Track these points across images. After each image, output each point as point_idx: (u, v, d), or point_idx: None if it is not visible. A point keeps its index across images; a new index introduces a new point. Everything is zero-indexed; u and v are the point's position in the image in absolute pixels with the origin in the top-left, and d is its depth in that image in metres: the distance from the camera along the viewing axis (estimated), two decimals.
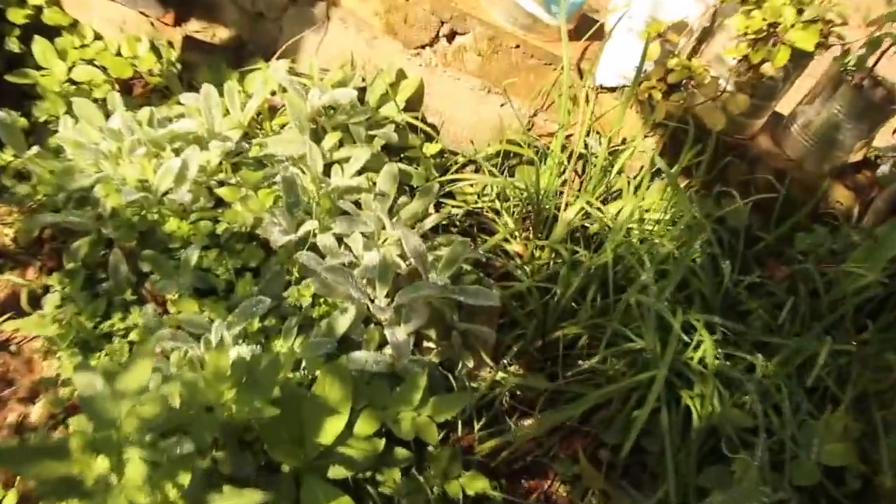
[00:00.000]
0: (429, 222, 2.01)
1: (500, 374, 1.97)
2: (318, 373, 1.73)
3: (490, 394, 1.95)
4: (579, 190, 2.25)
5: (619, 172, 2.23)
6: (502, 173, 2.31)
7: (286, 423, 1.59)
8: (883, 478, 1.78)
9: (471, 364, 1.94)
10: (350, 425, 1.64)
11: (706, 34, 2.17)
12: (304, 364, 1.73)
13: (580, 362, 2.01)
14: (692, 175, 2.21)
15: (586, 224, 2.22)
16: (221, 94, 2.17)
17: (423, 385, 1.70)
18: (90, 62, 2.44)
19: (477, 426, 1.88)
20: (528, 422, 2.02)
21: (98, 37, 2.50)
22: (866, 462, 1.88)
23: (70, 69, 2.39)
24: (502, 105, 2.32)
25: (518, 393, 1.98)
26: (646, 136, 2.25)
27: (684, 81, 2.09)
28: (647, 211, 2.20)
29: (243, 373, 1.56)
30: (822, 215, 2.23)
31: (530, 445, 1.95)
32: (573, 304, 2.10)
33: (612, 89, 2.23)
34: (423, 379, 1.70)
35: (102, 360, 1.81)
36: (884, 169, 2.27)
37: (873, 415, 1.91)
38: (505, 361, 1.99)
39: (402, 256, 1.95)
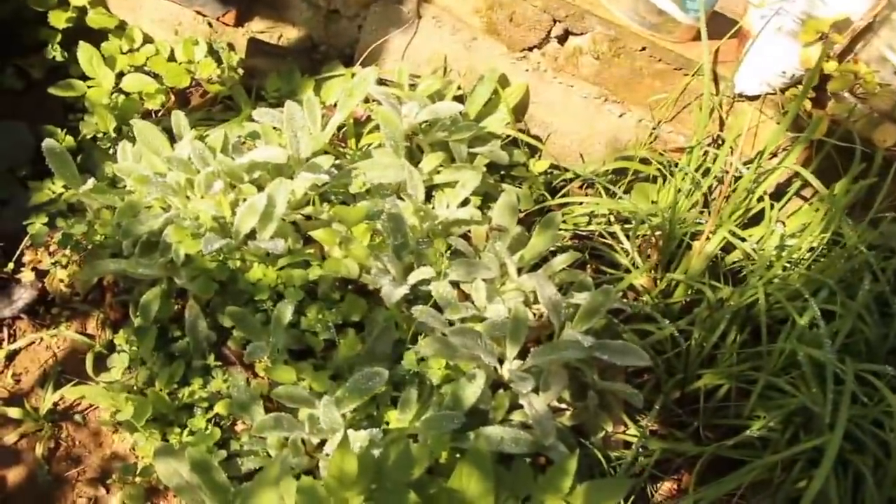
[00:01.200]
0: (558, 263, 1.72)
1: (644, 440, 1.70)
2: (445, 456, 1.47)
3: (634, 464, 1.68)
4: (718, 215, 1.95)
5: (763, 195, 1.92)
6: (616, 194, 2.00)
7: None
8: None
9: (609, 428, 1.67)
10: None
11: (865, 31, 1.86)
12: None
13: (721, 418, 1.74)
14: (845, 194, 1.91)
15: (719, 253, 1.93)
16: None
17: (574, 470, 1.43)
18: (140, 69, 2.14)
19: None
20: (664, 486, 1.77)
21: (148, 40, 2.19)
22: None
23: (118, 77, 2.09)
24: (621, 115, 2.02)
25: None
26: (784, 150, 1.95)
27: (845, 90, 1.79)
28: (791, 237, 1.91)
29: (371, 473, 1.29)
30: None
31: None
32: (713, 350, 1.82)
33: (754, 98, 1.92)
34: (573, 463, 1.42)
35: (184, 437, 1.53)
36: None
37: None
38: (645, 423, 1.72)
39: (527, 303, 1.67)
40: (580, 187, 2.10)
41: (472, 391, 1.49)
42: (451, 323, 1.56)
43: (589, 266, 1.97)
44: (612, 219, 1.99)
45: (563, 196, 2.01)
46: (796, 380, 1.70)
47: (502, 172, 2.01)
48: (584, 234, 2.02)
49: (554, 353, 1.51)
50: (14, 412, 1.60)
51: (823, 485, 1.59)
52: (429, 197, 1.86)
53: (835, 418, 1.59)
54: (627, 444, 1.73)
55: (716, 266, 1.94)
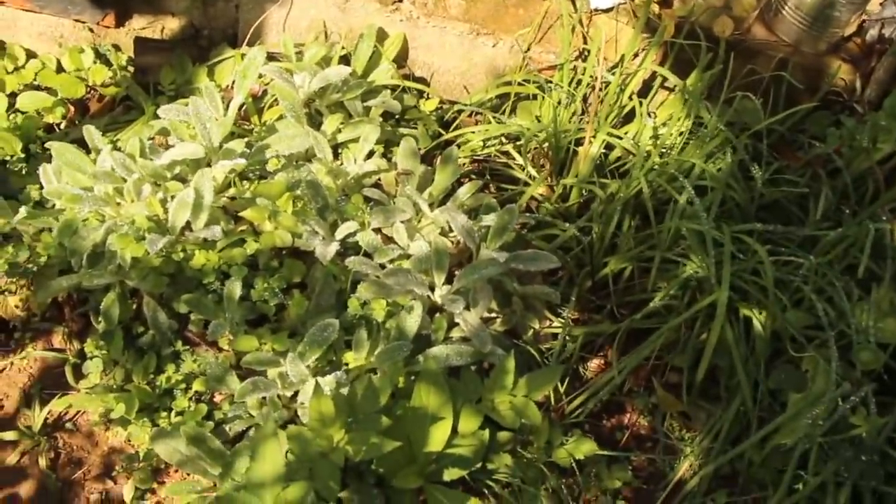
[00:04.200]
0: (464, 193, 1.93)
1: (565, 327, 1.96)
2: (402, 381, 1.69)
3: (563, 351, 1.94)
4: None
5: (631, 95, 2.16)
6: (503, 115, 2.21)
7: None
8: None
9: (537, 326, 1.92)
10: (453, 426, 1.62)
11: None
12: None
13: (630, 296, 2.02)
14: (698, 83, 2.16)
15: (604, 152, 2.17)
16: (194, 95, 1.99)
17: (513, 367, 1.68)
18: (31, 86, 2.20)
19: (562, 389, 1.88)
20: (593, 363, 2.04)
21: (32, 55, 2.24)
22: None
23: (11, 98, 2.15)
24: (494, 45, 2.20)
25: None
26: (641, 52, 2.18)
27: None
28: (663, 126, 2.16)
29: (345, 409, 1.51)
30: (826, 95, 2.23)
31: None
32: (612, 239, 2.08)
33: (609, 10, 2.13)
34: (511, 362, 1.68)
35: (173, 418, 1.72)
36: (873, 33, 2.26)
37: None
38: (566, 315, 1.98)
39: (444, 233, 1.88)
40: (470, 116, 2.30)
41: (412, 321, 1.71)
42: (382, 266, 1.77)
43: (490, 186, 2.19)
44: (504, 140, 2.21)
45: (456, 129, 2.21)
46: (686, 251, 1.98)
47: (397, 118, 2.19)
48: (481, 157, 2.23)
49: (475, 272, 1.73)
50: (9, 435, 1.74)
51: (721, 333, 1.89)
52: (337, 156, 2.03)
53: (720, 277, 1.88)
54: (555, 336, 1.99)
55: (602, 165, 2.19)
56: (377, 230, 1.84)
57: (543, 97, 2.16)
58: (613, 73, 2.13)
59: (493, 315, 1.87)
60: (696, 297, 1.97)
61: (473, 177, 2.16)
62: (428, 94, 2.26)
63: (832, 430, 1.79)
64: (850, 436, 1.78)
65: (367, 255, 1.79)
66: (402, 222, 1.82)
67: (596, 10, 2.14)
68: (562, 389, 1.88)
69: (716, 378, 2.01)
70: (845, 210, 2.09)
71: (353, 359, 1.71)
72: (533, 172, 2.16)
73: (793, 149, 2.23)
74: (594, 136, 2.07)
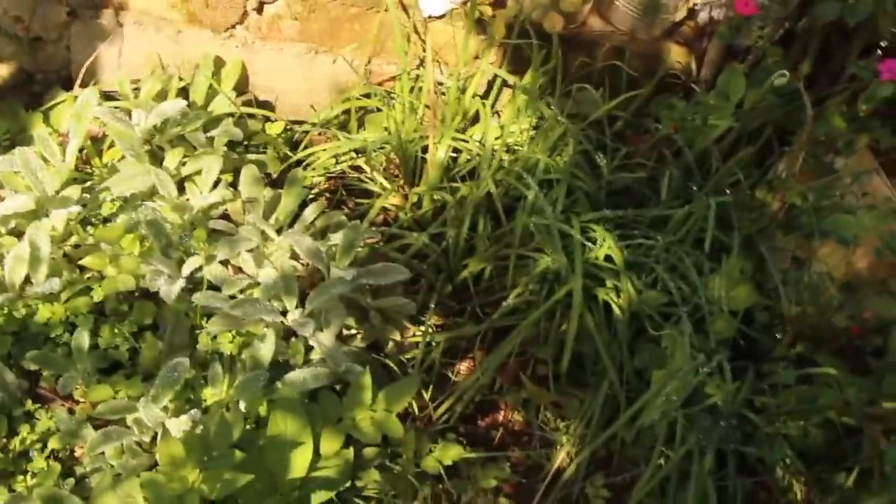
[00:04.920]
0: (309, 214, 1.93)
1: (429, 336, 1.98)
2: (265, 410, 1.69)
3: (426, 358, 1.96)
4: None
5: (474, 97, 2.19)
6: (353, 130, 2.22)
7: (257, 475, 1.54)
8: (785, 305, 1.94)
9: (398, 337, 1.94)
10: (315, 449, 1.62)
11: None
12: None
13: (492, 296, 2.05)
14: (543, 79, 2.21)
15: (453, 156, 2.20)
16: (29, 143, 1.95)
17: (370, 382, 1.69)
18: None
19: (427, 395, 1.90)
20: (461, 366, 2.07)
21: None
22: (766, 296, 2.05)
23: None
24: (334, 62, 2.21)
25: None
26: (479, 57, 2.22)
27: None
28: (503, 128, 2.19)
29: (198, 448, 1.50)
30: (664, 79, 2.30)
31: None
32: (469, 241, 2.11)
33: (442, 16, 2.16)
34: (367, 377, 1.69)
35: (29, 481, 1.67)
36: (704, 16, 2.35)
37: (761, 250, 2.07)
38: (427, 322, 2.00)
39: (295, 256, 1.88)
40: (320, 135, 2.30)
41: (266, 349, 1.70)
42: (232, 297, 1.76)
43: (347, 202, 2.20)
44: (354, 154, 2.22)
45: (306, 148, 2.21)
46: (539, 245, 2.02)
47: (246, 145, 2.18)
48: (335, 174, 2.23)
49: (325, 293, 1.74)
50: None
51: (581, 320, 1.94)
52: (183, 190, 2.01)
53: (573, 266, 1.93)
54: (420, 345, 2.01)
55: (452, 170, 2.21)
56: (225, 262, 1.83)
57: (388, 109, 2.18)
58: (456, 78, 2.16)
59: (353, 332, 1.88)
60: (555, 289, 2.02)
61: (328, 195, 2.17)
62: (274, 118, 2.25)
63: (693, 401, 1.86)
64: (707, 405, 1.85)
65: (217, 288, 1.78)
66: (248, 251, 1.81)
67: (430, 17, 2.16)
68: (428, 396, 1.90)
69: (584, 365, 2.07)
70: (693, 187, 2.17)
71: (211, 394, 1.70)
72: (386, 184, 2.18)
73: (639, 133, 2.30)
74: (439, 142, 2.10)
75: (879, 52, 2.13)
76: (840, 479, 1.81)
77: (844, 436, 1.83)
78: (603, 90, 2.24)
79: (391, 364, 1.88)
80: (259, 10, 2.10)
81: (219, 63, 2.16)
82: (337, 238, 1.85)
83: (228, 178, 2.04)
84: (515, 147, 2.16)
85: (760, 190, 2.12)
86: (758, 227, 2.09)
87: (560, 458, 1.95)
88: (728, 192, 2.11)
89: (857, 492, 1.77)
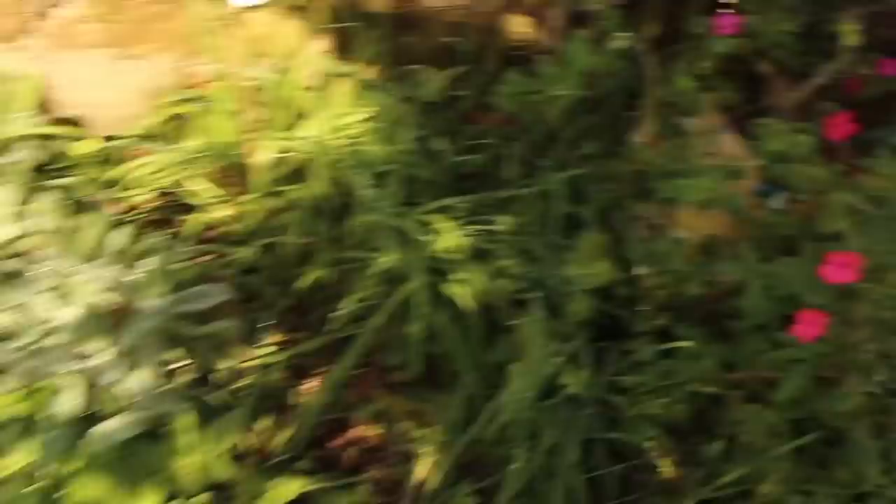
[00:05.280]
0: (118, 240, 1.76)
1: (264, 356, 1.84)
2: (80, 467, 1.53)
3: (265, 383, 1.82)
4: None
5: (304, 90, 2.03)
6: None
7: None
8: (644, 277, 1.84)
9: (231, 363, 1.79)
10: None
11: None
12: None
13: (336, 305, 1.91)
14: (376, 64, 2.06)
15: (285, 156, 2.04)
16: None
17: (191, 423, 1.54)
18: None
19: (267, 424, 1.76)
20: (310, 384, 1.93)
21: None
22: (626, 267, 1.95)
23: None
24: (146, 67, 2.03)
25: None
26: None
27: None
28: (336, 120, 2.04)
29: None
30: (510, 52, 2.17)
31: None
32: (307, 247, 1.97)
33: (257, 6, 1.99)
34: (187, 418, 1.54)
35: None
36: None
37: (617, 221, 1.96)
38: (264, 342, 1.85)
39: (109, 290, 1.71)
40: (138, 150, 2.11)
41: (70, 401, 1.54)
42: (26, 347, 1.58)
43: (172, 221, 2.02)
44: (179, 166, 2.04)
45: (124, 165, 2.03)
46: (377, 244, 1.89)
47: (51, 168, 1.99)
48: (161, 190, 2.06)
49: (135, 328, 1.58)
50: None
51: (430, 319, 1.82)
52: None
53: (411, 262, 1.80)
54: (264, 368, 1.86)
55: (289, 172, 2.05)
56: (20, 306, 1.65)
57: (206, 113, 2.01)
58: (279, 72, 2.00)
59: (176, 366, 1.73)
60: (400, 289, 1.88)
61: (151, 215, 2.00)
62: (84, 135, 2.06)
63: (553, 392, 1.76)
64: (567, 395, 1.75)
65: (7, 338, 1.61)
66: (46, 290, 1.64)
67: (243, 7, 1.99)
68: (268, 425, 1.76)
69: (438, 366, 1.94)
70: (546, 163, 2.06)
71: (12, 464, 1.53)
72: (214, 196, 2.01)
73: (486, 112, 2.17)
74: (263, 143, 1.94)
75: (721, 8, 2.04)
76: (710, 451, 1.74)
77: (711, 406, 1.75)
78: (445, 69, 2.11)
79: (223, 396, 1.73)
80: (43, 15, 1.91)
81: (11, 80, 1.96)
82: (148, 264, 1.69)
83: (29, 208, 1.85)
84: (352, 140, 2.01)
85: (613, 159, 2.02)
86: (612, 199, 1.98)
87: (423, 469, 1.83)
88: (581, 164, 2.01)
89: (724, 462, 1.70)
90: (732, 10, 1.85)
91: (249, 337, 1.87)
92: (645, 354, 1.69)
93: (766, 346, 1.55)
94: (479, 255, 1.89)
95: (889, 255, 1.29)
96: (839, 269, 1.24)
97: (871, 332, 1.26)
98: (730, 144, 1.93)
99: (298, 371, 1.91)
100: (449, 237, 1.82)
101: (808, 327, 1.28)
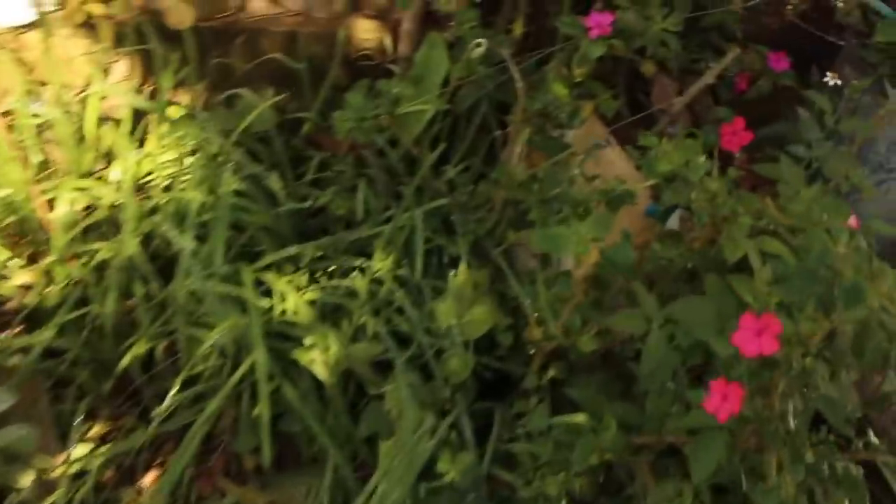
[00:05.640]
0: None
1: (80, 458, 1.48)
2: None
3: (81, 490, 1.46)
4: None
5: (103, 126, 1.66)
6: None
7: None
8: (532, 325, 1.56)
9: (44, 466, 1.43)
10: None
11: None
12: None
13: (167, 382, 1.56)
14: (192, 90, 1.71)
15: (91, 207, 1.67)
16: None
17: None
18: None
19: None
20: (147, 479, 1.59)
21: None
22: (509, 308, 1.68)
23: None
24: None
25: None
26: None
27: None
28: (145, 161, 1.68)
29: None
30: (356, 62, 1.87)
31: None
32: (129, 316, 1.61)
33: (37, 25, 1.61)
34: None
35: None
36: None
37: (492, 255, 1.69)
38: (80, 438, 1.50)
39: None
40: None
41: None
42: None
43: None
44: None
45: None
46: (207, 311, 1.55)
47: None
48: None
49: None
50: None
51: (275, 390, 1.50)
52: None
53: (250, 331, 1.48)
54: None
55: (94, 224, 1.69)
56: None
57: None
58: (72, 106, 1.63)
59: None
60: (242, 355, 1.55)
61: None
62: None
63: (430, 473, 1.47)
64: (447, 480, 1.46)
65: None
66: None
67: (17, 28, 1.61)
68: None
69: (298, 445, 1.62)
70: (407, 193, 1.76)
71: None
72: (6, 260, 1.62)
73: (332, 136, 1.85)
74: (61, 194, 1.57)
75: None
76: None
77: (615, 475, 1.50)
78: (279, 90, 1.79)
79: None
80: None
81: None
82: None
83: None
84: (167, 184, 1.66)
85: (484, 182, 1.74)
86: (486, 229, 1.71)
87: None
88: (444, 192, 1.72)
89: None
90: (603, 7, 1.60)
91: (62, 437, 1.52)
92: (537, 420, 1.41)
93: (674, 407, 1.30)
94: (333, 313, 1.59)
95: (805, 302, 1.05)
96: (753, 338, 0.98)
97: (798, 404, 1.02)
98: (615, 160, 1.69)
99: (129, 469, 1.57)
100: (292, 297, 1.50)
101: (722, 401, 1.03)
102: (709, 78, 1.75)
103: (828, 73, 1.72)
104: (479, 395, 1.61)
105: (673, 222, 1.63)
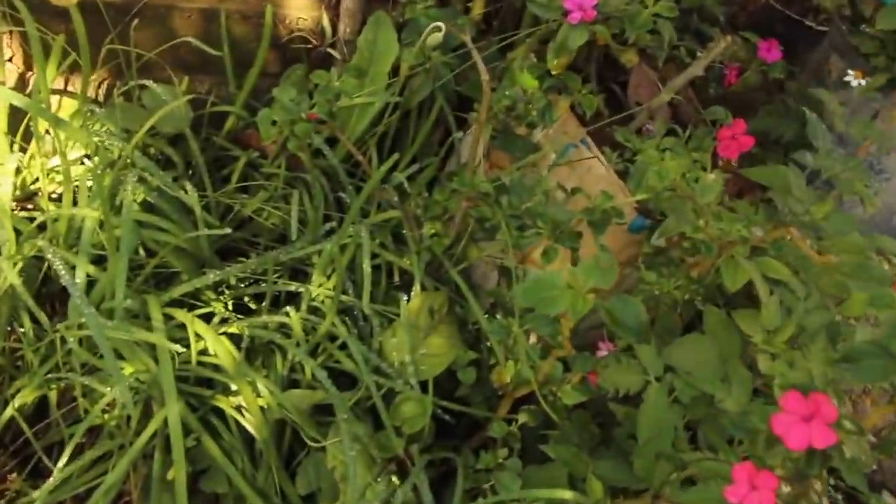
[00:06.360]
0: None
1: None
2: None
3: None
4: None
5: None
6: None
7: None
8: (501, 373, 1.32)
9: None
10: None
11: None
12: None
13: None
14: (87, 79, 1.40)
15: None
16: None
17: None
18: None
19: None
20: None
21: None
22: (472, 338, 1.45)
23: None
24: None
25: None
26: None
27: None
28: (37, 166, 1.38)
29: None
30: (288, 45, 1.59)
31: None
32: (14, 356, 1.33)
33: None
34: None
35: None
36: None
37: (447, 277, 1.46)
38: None
39: None
40: None
41: None
42: None
43: None
44: None
45: None
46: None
47: None
48: None
49: None
50: None
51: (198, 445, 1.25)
52: None
53: (159, 379, 1.20)
54: None
55: None
56: None
57: None
58: None
59: None
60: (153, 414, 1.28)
61: None
62: None
63: None
64: None
65: None
66: None
67: None
68: None
69: None
70: (349, 202, 1.51)
71: None
72: None
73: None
74: None
75: None
76: None
77: None
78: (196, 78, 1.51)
79: None
80: None
81: None
82: None
83: None
84: (55, 197, 1.37)
85: (440, 190, 1.49)
86: (443, 244, 1.46)
87: None
88: (398, 200, 1.47)
89: None
90: None
91: None
92: (508, 485, 1.18)
93: (674, 472, 1.08)
94: (264, 350, 1.33)
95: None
96: (800, 425, 0.77)
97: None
98: (593, 166, 1.46)
99: None
100: (211, 337, 1.23)
101: (749, 492, 0.81)
102: (697, 69, 1.53)
103: (850, 71, 1.51)
104: (434, 437, 1.38)
105: (659, 239, 1.41)
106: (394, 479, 1.26)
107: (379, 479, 1.23)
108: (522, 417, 1.30)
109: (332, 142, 1.48)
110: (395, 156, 1.43)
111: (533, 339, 1.27)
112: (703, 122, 1.76)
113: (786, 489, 0.90)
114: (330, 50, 1.59)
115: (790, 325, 1.09)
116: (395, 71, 1.50)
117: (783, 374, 0.90)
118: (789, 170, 1.26)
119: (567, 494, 1.05)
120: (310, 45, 1.60)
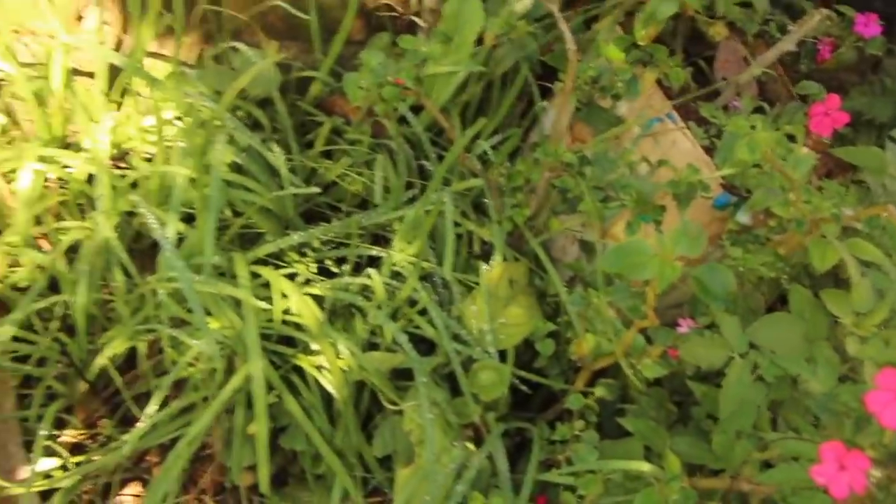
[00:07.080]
0: None
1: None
2: None
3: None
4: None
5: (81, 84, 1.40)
6: None
7: None
8: (580, 344, 1.31)
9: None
10: None
11: None
12: None
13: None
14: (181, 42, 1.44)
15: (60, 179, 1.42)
16: None
17: None
18: None
19: None
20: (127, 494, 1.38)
21: None
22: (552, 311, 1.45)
23: None
24: None
25: None
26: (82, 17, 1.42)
27: None
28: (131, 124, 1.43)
29: None
30: (374, 12, 1.60)
31: None
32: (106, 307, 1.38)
33: None
34: None
35: None
36: None
37: (529, 245, 1.45)
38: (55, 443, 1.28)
39: None
40: None
41: None
42: None
43: None
44: None
45: None
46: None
47: None
48: None
49: None
50: None
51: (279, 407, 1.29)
52: None
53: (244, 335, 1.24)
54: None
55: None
56: None
57: None
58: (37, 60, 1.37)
59: None
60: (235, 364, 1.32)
61: None
62: None
63: None
64: None
65: None
66: None
67: None
68: None
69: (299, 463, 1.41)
70: (432, 170, 1.51)
71: None
72: None
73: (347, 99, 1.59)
74: (23, 164, 1.32)
75: None
76: None
77: None
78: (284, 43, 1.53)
79: None
80: None
81: None
82: None
83: None
84: (150, 155, 1.41)
85: (523, 160, 1.48)
86: (525, 216, 1.46)
87: None
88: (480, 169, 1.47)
89: None
90: None
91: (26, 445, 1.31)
92: (585, 457, 1.18)
93: (755, 451, 1.07)
94: (345, 313, 1.36)
95: None
96: (895, 406, 0.75)
97: None
98: (679, 138, 1.43)
99: (105, 488, 1.36)
100: (296, 295, 1.26)
101: (838, 472, 0.80)
102: (788, 43, 1.49)
103: None
104: (510, 408, 1.39)
105: (745, 217, 1.38)
106: (469, 445, 1.27)
107: (455, 444, 1.24)
108: (599, 391, 1.30)
109: (415, 110, 1.49)
110: (482, 121, 1.42)
111: (612, 312, 1.26)
112: (791, 99, 1.72)
113: (877, 473, 0.88)
114: (415, 18, 1.59)
115: (883, 307, 1.06)
116: (479, 40, 1.50)
117: (879, 352, 0.88)
118: (886, 149, 1.23)
119: (645, 467, 1.05)
120: (395, 14, 1.60)
